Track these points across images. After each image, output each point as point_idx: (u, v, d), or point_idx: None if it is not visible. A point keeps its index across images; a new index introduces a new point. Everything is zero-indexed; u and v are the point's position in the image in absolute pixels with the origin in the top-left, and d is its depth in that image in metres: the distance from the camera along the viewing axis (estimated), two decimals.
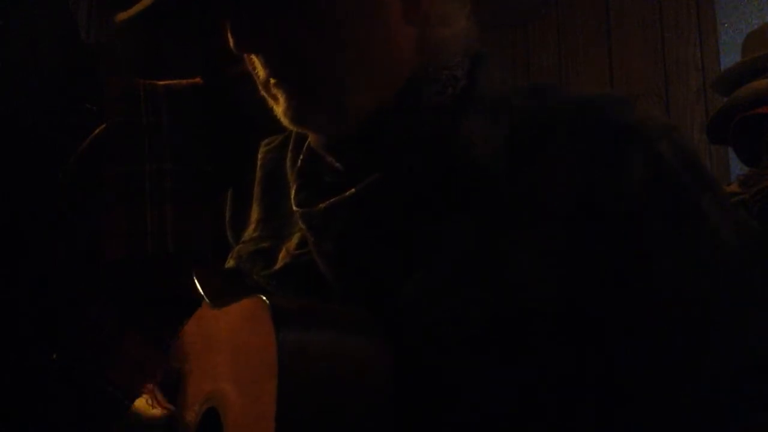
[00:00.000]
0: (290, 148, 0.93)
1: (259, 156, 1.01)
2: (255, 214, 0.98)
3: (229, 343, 0.89)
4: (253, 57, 0.80)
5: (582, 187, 0.72)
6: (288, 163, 0.92)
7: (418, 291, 0.74)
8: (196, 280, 1.07)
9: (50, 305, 1.43)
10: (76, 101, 1.54)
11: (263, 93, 0.83)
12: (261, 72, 0.80)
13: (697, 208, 0.72)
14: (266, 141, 1.03)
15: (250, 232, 0.97)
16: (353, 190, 0.78)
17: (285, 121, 0.81)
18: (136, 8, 0.86)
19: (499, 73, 0.85)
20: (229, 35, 0.78)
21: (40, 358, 1.30)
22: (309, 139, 0.88)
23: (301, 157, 0.88)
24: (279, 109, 0.81)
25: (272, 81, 0.79)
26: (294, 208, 0.84)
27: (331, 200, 0.79)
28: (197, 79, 1.28)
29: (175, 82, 1.27)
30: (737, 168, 2.26)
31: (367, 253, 0.79)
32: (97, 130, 1.23)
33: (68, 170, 1.24)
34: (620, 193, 0.71)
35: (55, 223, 1.41)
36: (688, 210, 0.72)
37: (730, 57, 2.63)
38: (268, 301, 0.76)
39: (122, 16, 0.94)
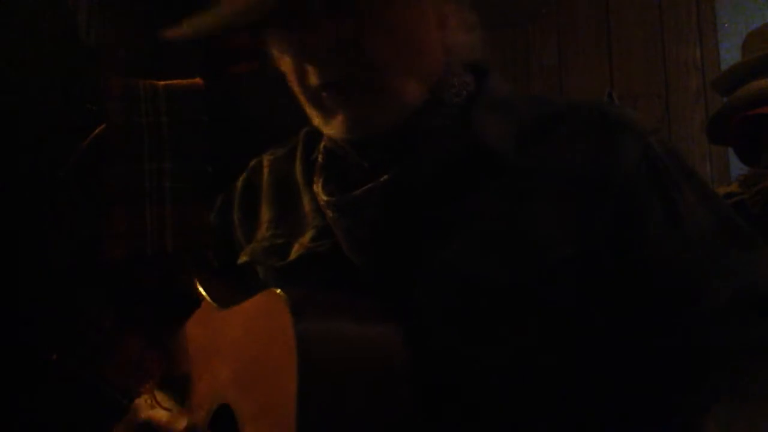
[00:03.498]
0: (299, 156, 1.01)
1: (265, 164, 1.07)
2: (266, 215, 1.03)
3: (243, 339, 0.91)
4: (308, 68, 0.84)
5: (587, 166, 0.85)
6: (298, 170, 1.00)
7: (452, 260, 0.83)
8: (198, 285, 1.09)
9: (50, 305, 1.43)
10: (76, 101, 1.54)
11: (310, 106, 0.88)
12: (314, 80, 0.84)
13: (678, 186, 0.86)
14: (271, 151, 1.09)
15: (263, 231, 1.02)
16: (386, 176, 0.86)
17: (338, 130, 0.87)
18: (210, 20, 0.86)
19: (502, 82, 0.96)
20: (293, 40, 0.84)
21: (40, 358, 1.30)
22: (324, 143, 0.96)
23: (319, 157, 0.96)
24: (336, 119, 0.86)
25: (328, 91, 0.84)
26: (323, 197, 0.92)
27: (366, 186, 0.87)
28: (197, 79, 1.28)
29: (175, 82, 1.27)
30: (737, 168, 2.26)
31: (399, 231, 0.87)
32: (97, 130, 1.23)
33: (68, 170, 1.24)
34: (619, 172, 0.84)
35: (55, 223, 1.41)
36: (671, 186, 0.86)
37: (730, 57, 2.63)
38: (284, 294, 0.79)
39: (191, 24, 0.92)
